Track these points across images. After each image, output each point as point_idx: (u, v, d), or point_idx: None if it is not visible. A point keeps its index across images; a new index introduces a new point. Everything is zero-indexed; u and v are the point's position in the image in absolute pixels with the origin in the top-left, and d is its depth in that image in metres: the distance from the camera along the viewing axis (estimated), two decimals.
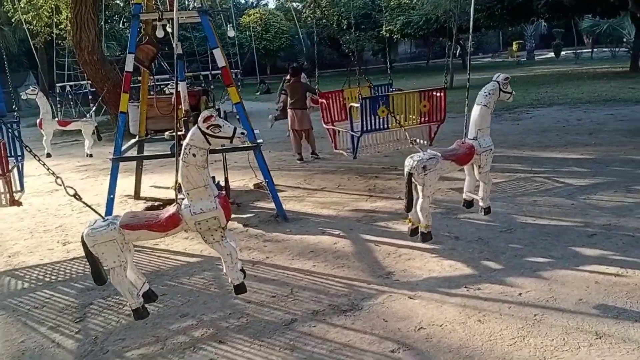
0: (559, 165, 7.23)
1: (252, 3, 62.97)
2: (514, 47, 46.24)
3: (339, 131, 7.60)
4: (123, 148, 6.13)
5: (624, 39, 34.41)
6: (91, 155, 8.62)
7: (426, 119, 6.84)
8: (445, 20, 27.82)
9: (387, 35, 35.13)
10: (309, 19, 44.08)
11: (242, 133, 3.18)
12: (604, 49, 40.15)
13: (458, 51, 26.46)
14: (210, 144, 3.12)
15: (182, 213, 3.20)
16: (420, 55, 48.50)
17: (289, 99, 9.24)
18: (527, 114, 12.59)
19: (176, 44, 4.66)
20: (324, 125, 7.87)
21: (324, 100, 7.72)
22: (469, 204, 4.75)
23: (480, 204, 4.57)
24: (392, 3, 37.11)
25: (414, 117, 6.76)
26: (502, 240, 4.70)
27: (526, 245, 4.54)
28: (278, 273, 4.40)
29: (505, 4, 20.10)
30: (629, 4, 8.92)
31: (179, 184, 3.23)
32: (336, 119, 7.82)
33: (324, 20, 41.88)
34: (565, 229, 4.87)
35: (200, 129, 3.09)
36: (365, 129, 6.52)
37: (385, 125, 6.65)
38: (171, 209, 3.26)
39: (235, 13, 47.69)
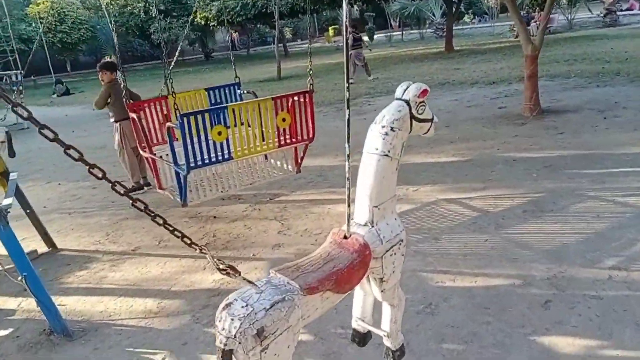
0: (438, 176, 5.87)
1: None
2: (331, 32, 46.86)
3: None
4: None
5: (429, 21, 36.61)
6: None
7: (288, 138, 4.81)
8: (263, 5, 26.23)
9: (203, 22, 32.55)
10: (111, 6, 39.30)
11: None
12: (411, 31, 42.55)
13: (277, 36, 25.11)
14: None
15: None
16: (240, 44, 46.49)
17: (111, 107, 6.54)
18: (370, 105, 11.42)
19: None
20: (141, 152, 5.41)
21: (134, 115, 5.13)
22: (363, 338, 2.55)
23: (387, 342, 2.41)
24: None
25: (270, 132, 4.66)
26: (428, 335, 2.98)
27: (468, 342, 2.88)
28: None
29: None
30: None
31: None
32: (156, 141, 5.31)
33: (129, 8, 37.47)
34: (503, 294, 3.33)
35: None
36: (193, 163, 4.29)
37: (227, 154, 4.47)
38: None
39: (22, 2, 40.48)
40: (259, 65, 27.09)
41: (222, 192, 4.96)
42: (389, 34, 38.13)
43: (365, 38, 38.69)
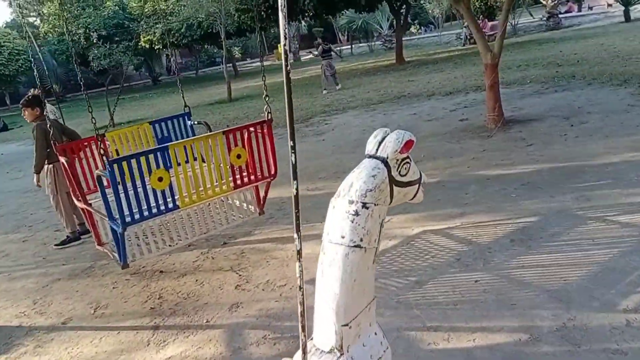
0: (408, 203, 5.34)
1: None
2: (280, 49, 46.47)
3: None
4: None
5: (377, 33, 36.78)
6: None
7: (246, 177, 4.15)
8: (208, 25, 25.56)
9: (147, 46, 31.60)
10: (49, 34, 37.77)
11: None
12: (360, 44, 42.71)
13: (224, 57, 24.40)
14: None
15: None
16: (188, 66, 45.55)
17: (37, 149, 5.71)
18: (326, 124, 10.89)
19: None
20: (76, 202, 4.68)
21: (63, 160, 4.41)
22: None
23: None
24: (146, 10, 33.52)
25: (224, 171, 4.02)
26: None
27: None
28: None
29: (272, 3, 18.54)
30: None
31: None
32: (94, 188, 4.64)
33: (69, 35, 35.98)
34: (510, 356, 2.77)
35: None
36: (129, 217, 3.59)
37: (171, 203, 3.80)
38: None
39: None
40: (208, 87, 26.32)
41: (170, 246, 4.27)
42: (338, 48, 38.01)
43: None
